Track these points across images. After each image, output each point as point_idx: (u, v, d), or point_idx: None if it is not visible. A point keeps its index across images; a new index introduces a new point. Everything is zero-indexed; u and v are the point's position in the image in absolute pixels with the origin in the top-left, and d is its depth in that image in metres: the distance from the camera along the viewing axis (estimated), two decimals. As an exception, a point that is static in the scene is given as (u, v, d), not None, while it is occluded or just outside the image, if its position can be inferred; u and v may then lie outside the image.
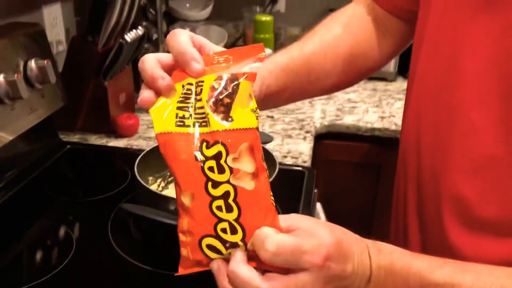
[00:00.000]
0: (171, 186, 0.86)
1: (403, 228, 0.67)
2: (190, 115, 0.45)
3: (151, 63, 0.47)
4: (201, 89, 0.46)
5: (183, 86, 0.47)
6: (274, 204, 0.45)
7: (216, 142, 0.43)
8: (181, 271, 0.46)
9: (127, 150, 1.10)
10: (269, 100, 0.63)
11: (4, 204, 0.88)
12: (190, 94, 0.46)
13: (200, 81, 0.47)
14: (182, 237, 0.45)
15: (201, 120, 0.45)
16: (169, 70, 0.48)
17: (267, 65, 0.63)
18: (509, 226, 0.51)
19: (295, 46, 0.68)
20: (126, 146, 1.12)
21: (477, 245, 0.53)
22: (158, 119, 0.46)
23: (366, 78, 0.77)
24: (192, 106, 0.46)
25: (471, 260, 0.49)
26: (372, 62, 0.73)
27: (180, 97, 0.46)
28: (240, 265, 0.43)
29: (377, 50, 0.72)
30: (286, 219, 0.45)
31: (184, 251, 0.46)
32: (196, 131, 0.44)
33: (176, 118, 0.45)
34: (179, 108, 0.46)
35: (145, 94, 0.47)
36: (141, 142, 1.13)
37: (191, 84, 0.47)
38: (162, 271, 0.72)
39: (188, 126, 0.45)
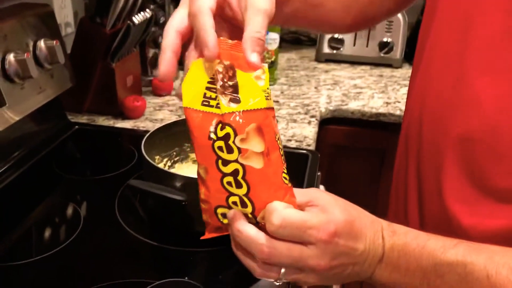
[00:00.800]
0: (177, 166, 0.88)
1: (403, 205, 0.68)
2: (216, 96, 0.46)
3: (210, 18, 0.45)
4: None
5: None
6: (286, 181, 0.47)
7: (225, 124, 0.45)
8: (206, 235, 0.50)
9: (134, 131, 1.12)
10: None
11: (14, 182, 0.90)
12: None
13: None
14: (202, 205, 0.48)
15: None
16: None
17: None
18: (507, 195, 0.51)
19: None
20: (133, 128, 1.13)
21: (476, 214, 0.54)
22: (188, 93, 0.47)
23: (359, 30, 0.81)
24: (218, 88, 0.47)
25: (469, 231, 0.50)
26: (370, 13, 0.76)
27: (210, 78, 0.47)
28: (245, 224, 0.45)
29: (378, 4, 0.75)
30: (304, 194, 0.47)
31: (204, 217, 0.49)
32: (216, 112, 0.46)
33: (204, 97, 0.47)
34: (207, 88, 0.47)
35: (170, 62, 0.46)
36: (147, 124, 1.15)
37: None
38: (167, 246, 0.74)
39: (212, 106, 0.46)
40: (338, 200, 0.48)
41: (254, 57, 0.44)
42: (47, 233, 0.80)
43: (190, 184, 0.69)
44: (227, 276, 0.72)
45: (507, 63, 0.50)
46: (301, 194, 0.47)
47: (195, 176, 0.74)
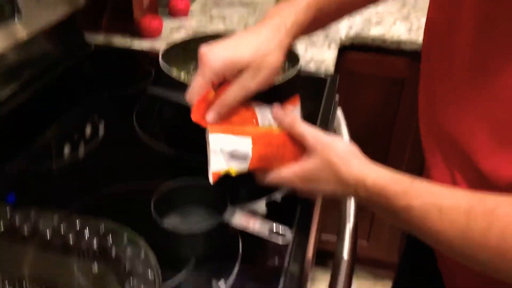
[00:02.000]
0: (195, 80, 0.87)
1: None
2: None
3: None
4: None
5: None
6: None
7: None
8: None
9: (150, 51, 1.11)
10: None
11: (33, 98, 0.91)
12: None
13: None
14: None
15: None
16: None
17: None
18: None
19: None
20: (150, 47, 1.12)
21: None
22: None
23: None
24: None
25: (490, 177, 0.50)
26: None
27: None
28: None
29: None
30: (315, 139, 0.58)
31: None
32: None
33: None
34: None
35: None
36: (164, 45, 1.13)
37: None
38: (184, 153, 0.75)
39: None
40: (330, 154, 0.56)
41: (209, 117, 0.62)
42: (67, 145, 0.81)
43: (208, 92, 0.69)
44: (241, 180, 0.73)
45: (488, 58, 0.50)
46: (312, 136, 0.58)
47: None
